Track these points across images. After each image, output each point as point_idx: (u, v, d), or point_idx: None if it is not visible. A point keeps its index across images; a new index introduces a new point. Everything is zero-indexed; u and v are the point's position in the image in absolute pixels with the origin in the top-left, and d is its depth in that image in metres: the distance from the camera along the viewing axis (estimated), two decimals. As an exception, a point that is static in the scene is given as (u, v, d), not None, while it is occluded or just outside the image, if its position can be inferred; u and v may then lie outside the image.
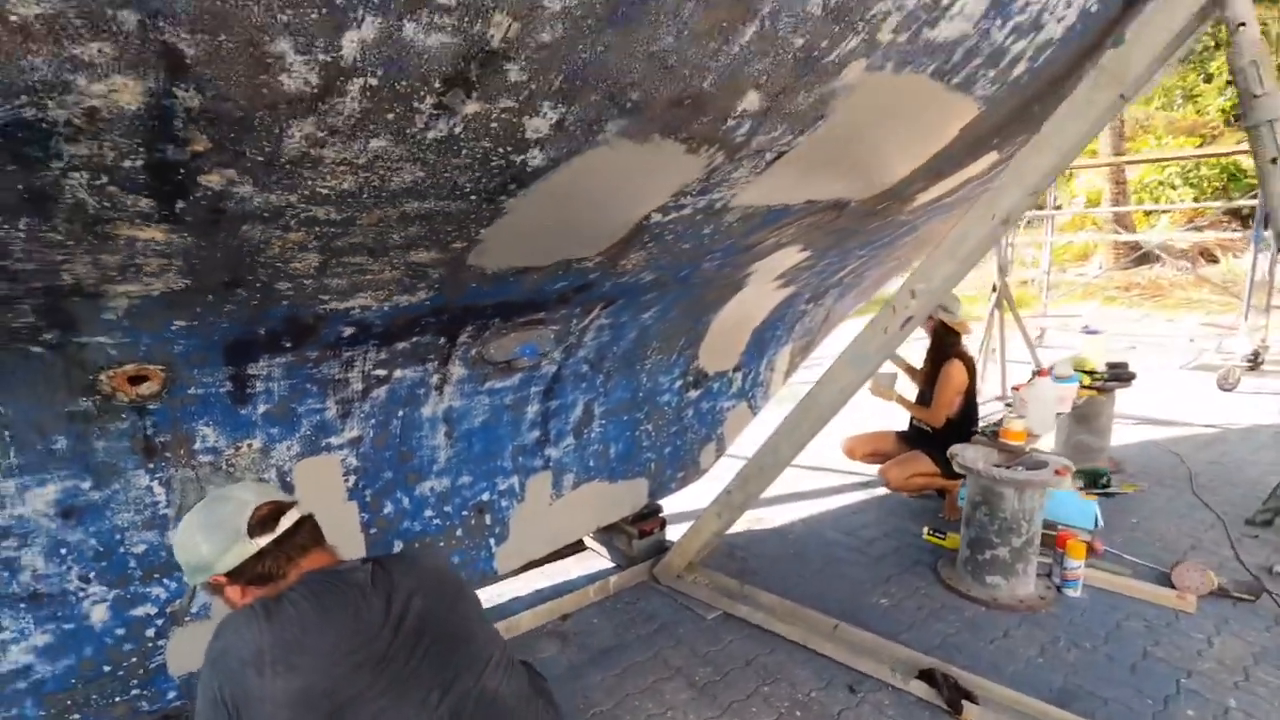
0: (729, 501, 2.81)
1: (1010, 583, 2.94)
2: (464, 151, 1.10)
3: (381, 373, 2.09)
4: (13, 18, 0.66)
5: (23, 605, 1.75)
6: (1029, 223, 11.12)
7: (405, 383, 2.18)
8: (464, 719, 1.24)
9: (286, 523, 1.33)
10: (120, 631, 1.87)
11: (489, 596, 3.00)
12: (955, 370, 3.56)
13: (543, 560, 3.23)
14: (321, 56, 0.83)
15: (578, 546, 3.43)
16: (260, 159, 0.98)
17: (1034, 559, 2.97)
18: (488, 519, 2.60)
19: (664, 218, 1.69)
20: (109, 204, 1.01)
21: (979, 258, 2.15)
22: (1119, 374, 4.38)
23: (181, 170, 0.97)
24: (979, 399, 3.77)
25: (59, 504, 1.73)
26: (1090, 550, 3.24)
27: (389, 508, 2.32)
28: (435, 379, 2.24)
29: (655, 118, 1.20)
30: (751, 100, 1.28)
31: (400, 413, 2.23)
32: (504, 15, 0.88)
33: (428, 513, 2.42)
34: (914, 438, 3.79)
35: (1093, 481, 4.09)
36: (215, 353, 1.72)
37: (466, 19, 0.86)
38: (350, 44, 0.84)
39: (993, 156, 2.56)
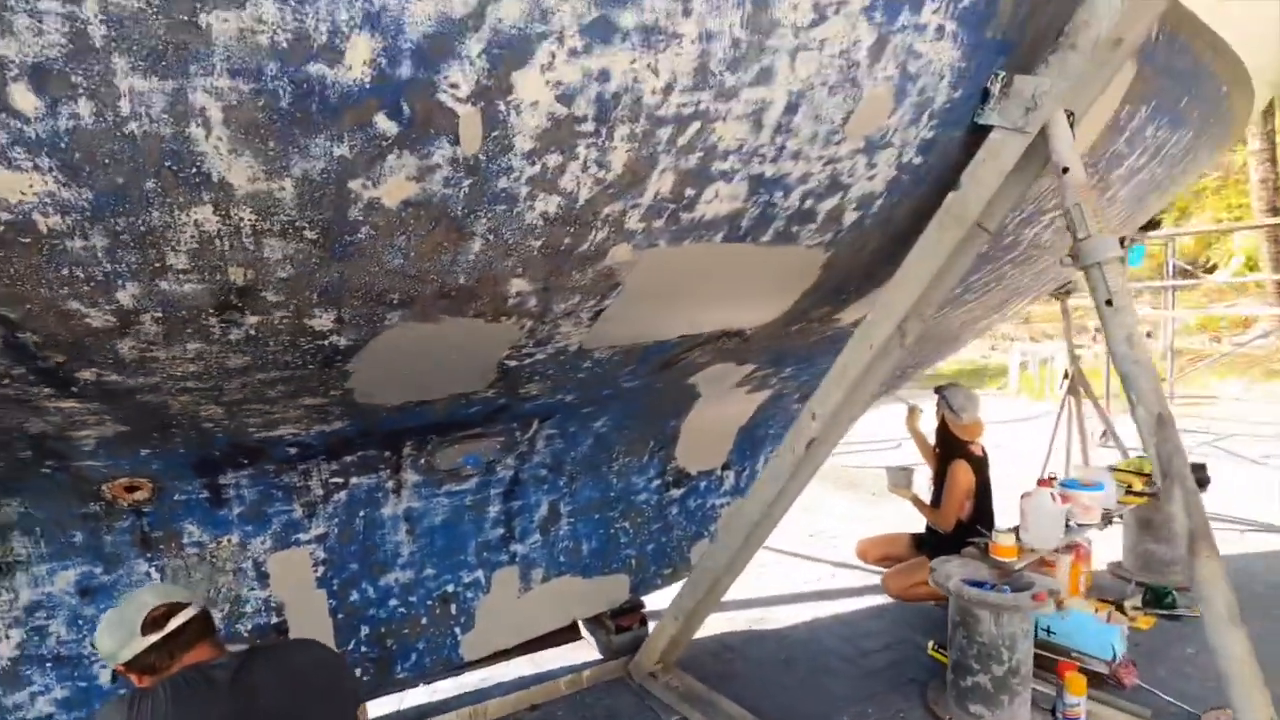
0: (680, 607, 2.87)
1: (995, 714, 2.72)
2: (271, 342, 1.42)
3: (338, 480, 2.45)
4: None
5: (49, 665, 2.23)
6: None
7: (362, 488, 2.52)
8: None
9: (176, 622, 1.65)
10: (121, 691, 2.31)
11: (470, 681, 3.21)
12: (960, 471, 3.39)
13: (536, 646, 3.41)
14: (107, 307, 1.19)
15: (574, 634, 3.58)
16: (110, 360, 1.36)
17: (1023, 690, 2.72)
18: (453, 609, 2.86)
19: (521, 363, 1.93)
20: (25, 392, 1.43)
21: (874, 385, 2.17)
22: (1198, 479, 3.90)
23: (59, 370, 1.36)
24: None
25: (78, 584, 2.20)
26: (1116, 682, 2.92)
27: (355, 596, 2.64)
28: (390, 484, 2.57)
29: (430, 306, 1.47)
30: (521, 285, 1.51)
31: (361, 512, 2.57)
32: (237, 268, 1.19)
33: (393, 602, 2.72)
34: (928, 542, 3.61)
35: (1155, 600, 3.63)
36: (186, 469, 2.16)
37: (206, 275, 1.19)
38: (124, 297, 1.19)
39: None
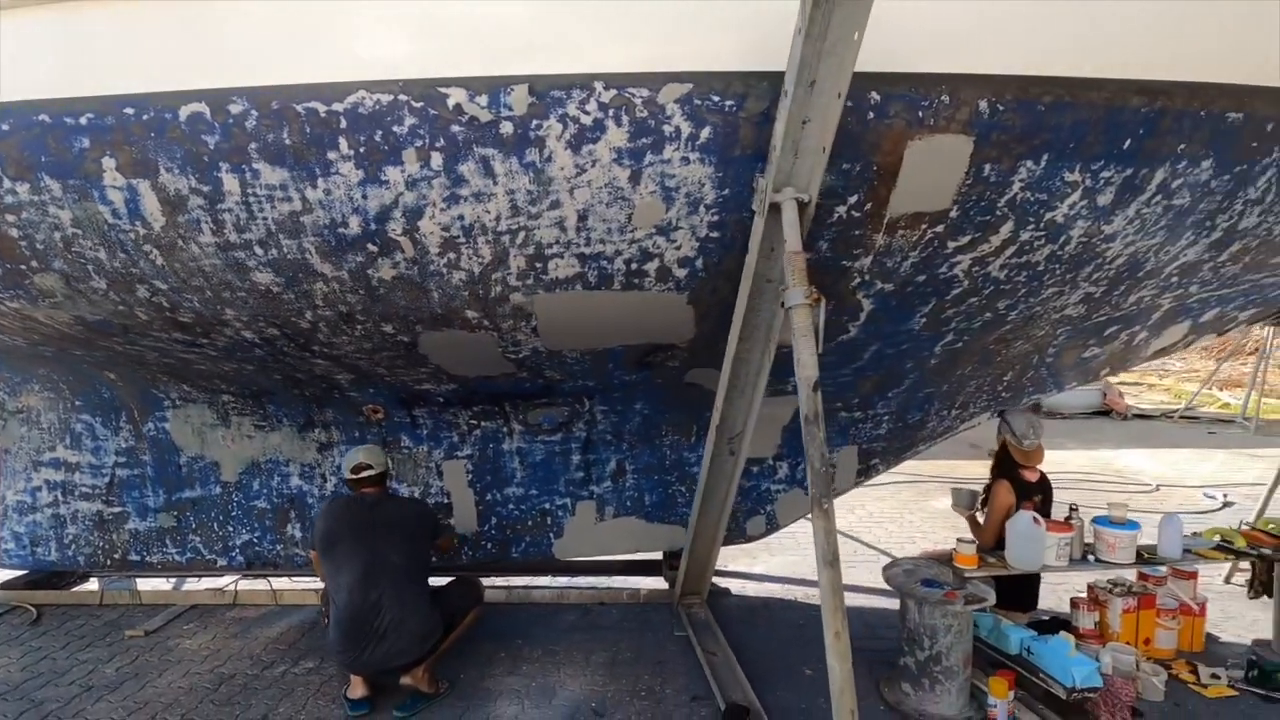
0: (687, 551, 3.85)
1: (918, 695, 3.10)
2: (359, 330, 3.03)
3: (474, 421, 4.11)
4: None
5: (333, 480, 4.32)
6: None
7: (490, 428, 4.14)
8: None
9: (362, 472, 3.40)
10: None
11: (567, 572, 4.62)
12: (1002, 491, 3.55)
13: (626, 570, 4.69)
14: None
15: (656, 570, 4.72)
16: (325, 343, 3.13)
17: (946, 680, 3.03)
18: (549, 521, 4.31)
19: (518, 357, 3.24)
20: (300, 355, 3.30)
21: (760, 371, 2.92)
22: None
23: (309, 346, 3.18)
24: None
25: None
26: (1092, 712, 2.99)
27: (489, 497, 4.28)
28: (505, 429, 4.14)
29: (431, 324, 2.89)
30: (472, 314, 2.82)
31: (491, 444, 4.19)
32: (343, 305, 2.79)
33: (511, 506, 4.29)
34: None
35: (1261, 676, 3.24)
36: (397, 403, 4.01)
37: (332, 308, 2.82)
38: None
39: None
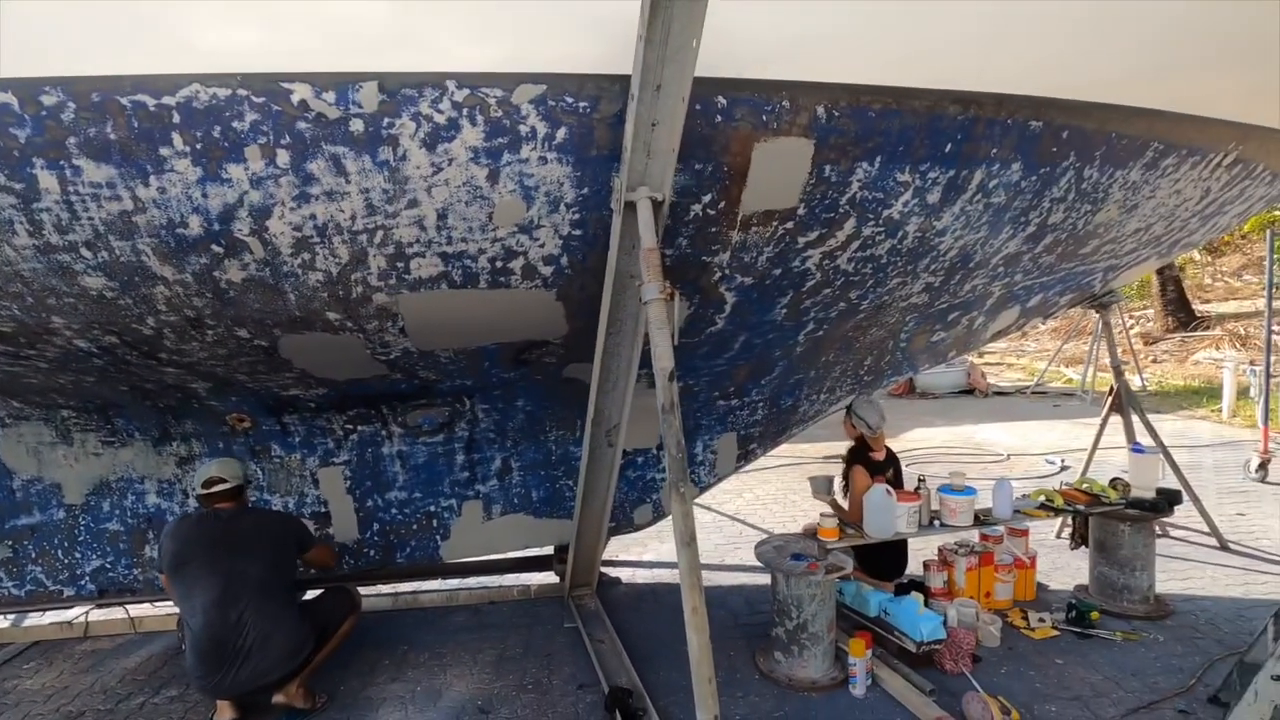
0: (573, 544, 3.91)
1: (788, 662, 3.30)
2: (229, 342, 2.88)
3: (350, 425, 3.97)
4: None
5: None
6: None
7: (368, 432, 4.02)
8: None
9: (214, 486, 3.23)
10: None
11: (449, 581, 4.58)
12: (859, 475, 3.84)
13: (517, 568, 4.69)
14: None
15: (545, 566, 4.75)
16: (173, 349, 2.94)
17: (813, 646, 3.25)
18: (434, 524, 4.24)
19: (389, 358, 3.18)
20: (145, 363, 3.08)
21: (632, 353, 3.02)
22: (1150, 502, 3.77)
23: (149, 355, 2.98)
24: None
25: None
26: (938, 665, 3.27)
27: (369, 503, 4.16)
28: (384, 432, 4.03)
29: (290, 327, 2.79)
30: (335, 315, 2.76)
31: (369, 448, 4.07)
32: (190, 309, 2.64)
33: (394, 511, 4.18)
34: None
35: (1078, 617, 3.66)
36: (264, 410, 3.81)
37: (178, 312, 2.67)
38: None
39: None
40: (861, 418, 3.92)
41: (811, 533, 4.33)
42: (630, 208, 2.44)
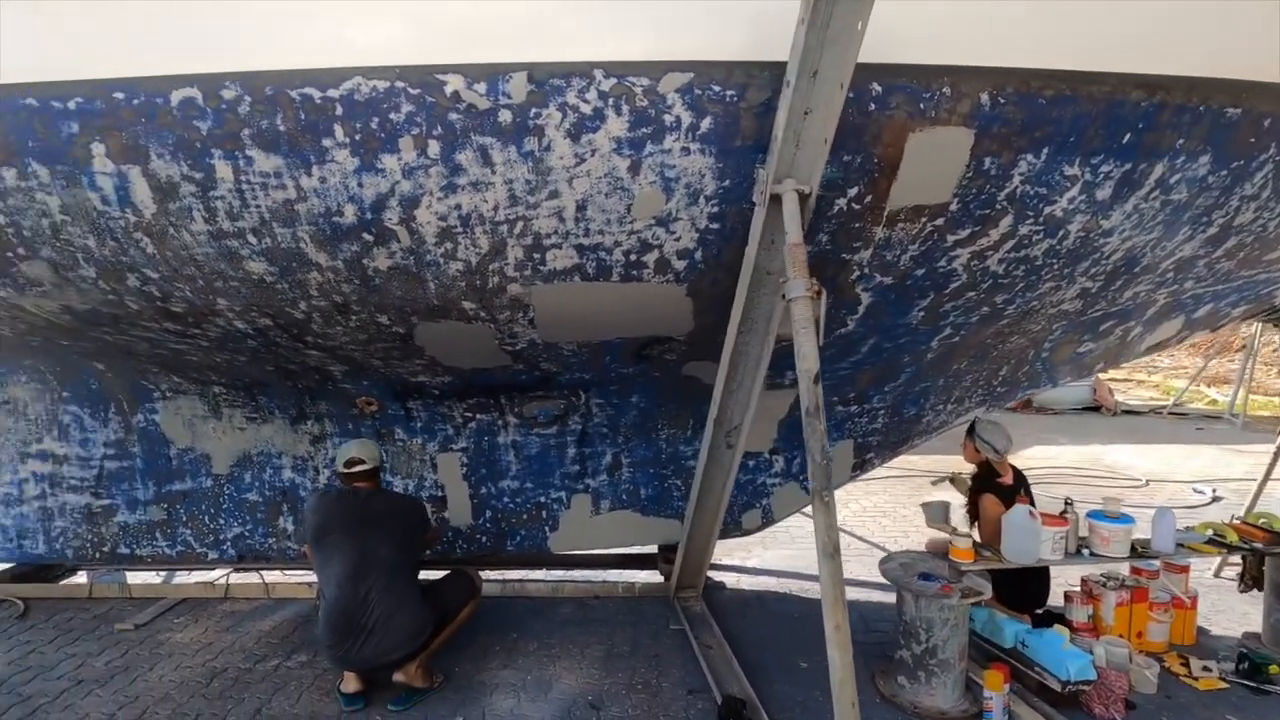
0: (682, 545, 3.85)
1: (913, 688, 3.10)
2: (354, 321, 2.99)
3: (469, 413, 4.08)
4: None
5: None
6: None
7: (485, 420, 4.11)
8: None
9: (355, 467, 3.36)
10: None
11: (562, 565, 4.60)
12: (989, 504, 3.56)
13: (622, 564, 4.68)
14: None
15: (651, 564, 4.71)
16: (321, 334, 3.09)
17: (942, 673, 3.03)
18: (544, 515, 4.29)
19: (515, 349, 3.21)
20: (293, 345, 3.26)
21: (758, 368, 2.91)
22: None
23: (299, 338, 3.14)
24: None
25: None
26: (1086, 708, 3.00)
27: (483, 490, 4.25)
28: (500, 421, 4.11)
29: (428, 316, 2.86)
30: (469, 305, 2.80)
31: (486, 436, 4.16)
32: (338, 295, 2.76)
33: (505, 499, 4.26)
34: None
35: (1252, 669, 3.26)
36: (391, 395, 3.97)
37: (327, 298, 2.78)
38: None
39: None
40: (987, 441, 3.63)
41: (939, 550, 4.07)
42: (775, 200, 2.33)
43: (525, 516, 4.27)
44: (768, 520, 4.40)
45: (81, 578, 4.71)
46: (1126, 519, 3.23)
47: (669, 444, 4.20)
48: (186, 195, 2.46)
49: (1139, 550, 3.29)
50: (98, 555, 4.37)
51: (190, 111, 2.32)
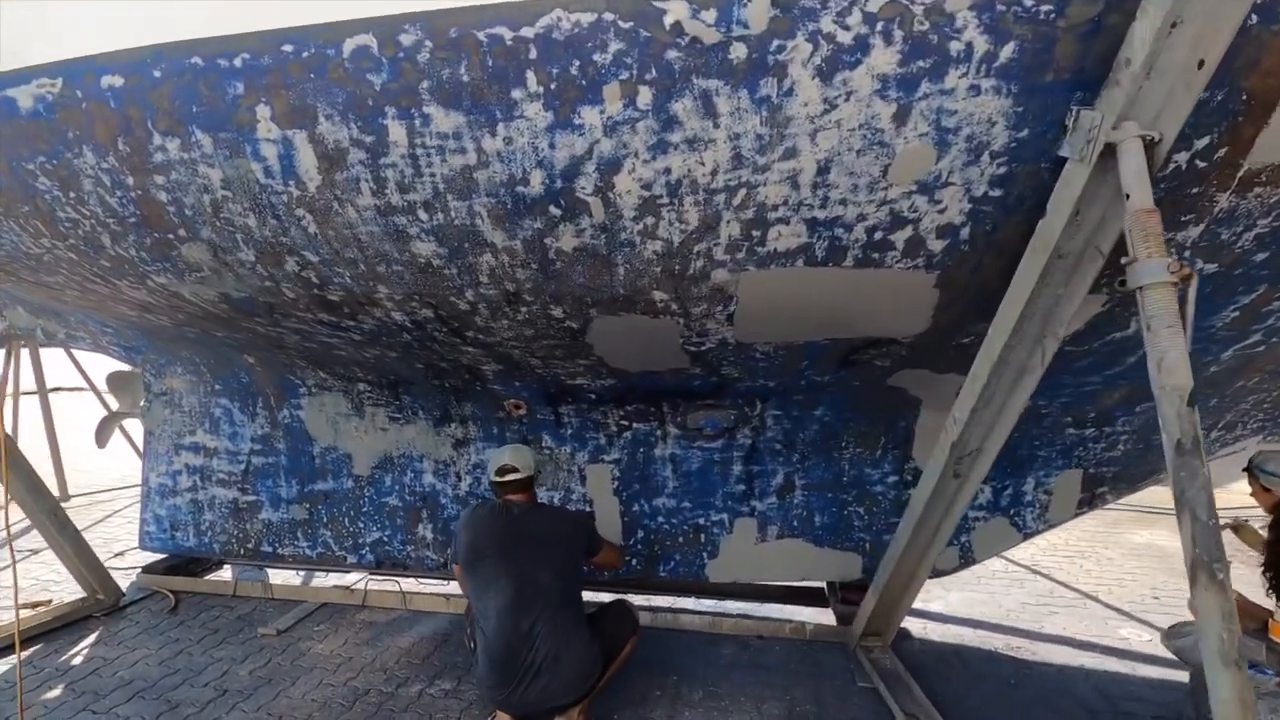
0: (876, 585, 3.22)
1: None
2: (523, 313, 2.58)
3: (625, 422, 3.63)
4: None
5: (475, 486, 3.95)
6: None
7: (641, 431, 3.66)
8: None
9: (507, 476, 3.00)
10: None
11: (715, 594, 4.08)
12: None
13: (787, 598, 4.10)
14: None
15: (821, 600, 4.11)
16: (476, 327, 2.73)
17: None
18: (702, 539, 3.79)
19: (699, 349, 2.71)
20: (450, 341, 2.92)
21: (1016, 397, 2.25)
22: None
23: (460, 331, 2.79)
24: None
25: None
26: None
27: (635, 507, 3.81)
28: (659, 432, 3.64)
29: (607, 307, 2.41)
30: (660, 295, 2.32)
31: (641, 448, 3.71)
32: (511, 282, 2.36)
33: (660, 519, 3.80)
34: None
35: None
36: (543, 399, 3.59)
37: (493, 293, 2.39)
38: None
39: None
40: (1277, 475, 2.76)
41: (1247, 614, 3.18)
42: (1108, 152, 1.70)
43: (681, 540, 3.78)
44: (966, 561, 3.69)
45: (226, 573, 4.66)
46: None
47: (852, 465, 3.59)
48: (355, 164, 2.13)
49: None
50: (242, 551, 4.27)
51: (363, 63, 1.97)
